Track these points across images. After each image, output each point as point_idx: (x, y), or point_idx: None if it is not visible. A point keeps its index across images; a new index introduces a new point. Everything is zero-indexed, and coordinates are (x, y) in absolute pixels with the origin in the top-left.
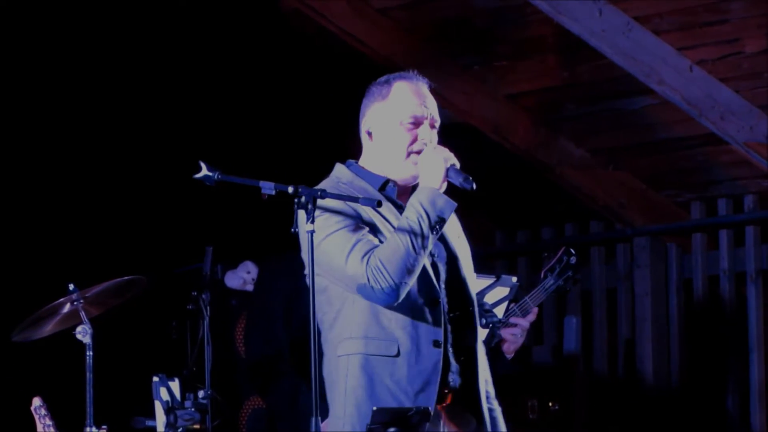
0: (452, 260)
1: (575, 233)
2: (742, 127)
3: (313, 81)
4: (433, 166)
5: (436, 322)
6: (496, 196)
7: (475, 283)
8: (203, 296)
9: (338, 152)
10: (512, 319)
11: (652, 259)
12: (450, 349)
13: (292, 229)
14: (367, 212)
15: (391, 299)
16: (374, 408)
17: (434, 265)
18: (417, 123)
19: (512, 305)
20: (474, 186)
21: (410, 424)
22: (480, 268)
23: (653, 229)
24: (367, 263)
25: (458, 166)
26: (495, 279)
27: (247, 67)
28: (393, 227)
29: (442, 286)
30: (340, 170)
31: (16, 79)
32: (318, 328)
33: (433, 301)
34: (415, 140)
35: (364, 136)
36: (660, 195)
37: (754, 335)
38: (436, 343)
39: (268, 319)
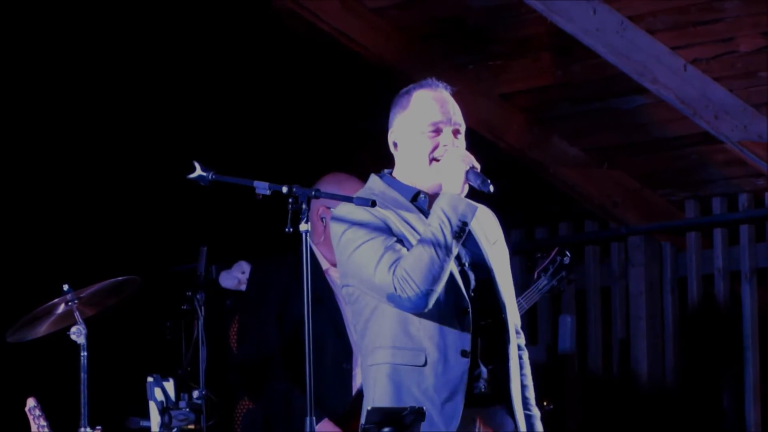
0: (483, 267)
1: (570, 232)
2: (736, 126)
3: (306, 80)
4: (453, 170)
5: (465, 331)
6: (490, 195)
7: (510, 290)
8: (198, 296)
9: (332, 152)
10: None
11: (646, 258)
12: (479, 357)
13: (286, 229)
14: (395, 223)
15: (419, 307)
16: (368, 407)
17: (463, 273)
18: (438, 130)
19: None
20: (492, 189)
21: (404, 424)
22: None
23: (648, 228)
24: (394, 273)
25: (478, 168)
26: None
27: (240, 66)
28: (419, 234)
29: (472, 294)
30: (374, 181)
31: (11, 80)
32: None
33: (462, 311)
34: (436, 147)
35: (391, 148)
36: (654, 194)
37: (748, 334)
38: (464, 353)
39: (260, 321)
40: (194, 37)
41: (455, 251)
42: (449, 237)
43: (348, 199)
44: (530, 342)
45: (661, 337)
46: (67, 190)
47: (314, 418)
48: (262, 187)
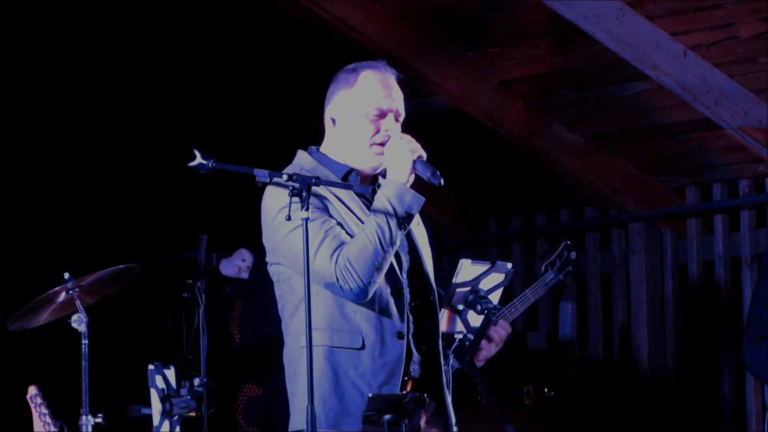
0: (413, 249)
1: (570, 219)
2: (736, 111)
3: (305, 68)
4: (400, 159)
5: (400, 314)
6: (491, 182)
7: (433, 269)
8: (198, 284)
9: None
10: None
11: (646, 244)
12: (411, 339)
13: (286, 217)
14: (333, 204)
15: (359, 298)
16: (369, 395)
17: (397, 256)
18: (382, 115)
19: (514, 300)
20: (442, 182)
21: (405, 411)
22: (474, 255)
23: (648, 214)
24: (336, 262)
25: (425, 157)
26: (490, 265)
27: (239, 54)
28: (358, 219)
29: (404, 276)
30: (302, 157)
31: (11, 70)
32: (279, 317)
33: (397, 292)
34: (377, 132)
35: (327, 123)
36: (654, 180)
37: None
38: (400, 335)
39: (263, 306)
40: (193, 26)
41: (399, 242)
42: (395, 229)
43: (348, 187)
44: (531, 328)
45: (661, 323)
46: (68, 179)
47: (314, 405)
48: (262, 175)
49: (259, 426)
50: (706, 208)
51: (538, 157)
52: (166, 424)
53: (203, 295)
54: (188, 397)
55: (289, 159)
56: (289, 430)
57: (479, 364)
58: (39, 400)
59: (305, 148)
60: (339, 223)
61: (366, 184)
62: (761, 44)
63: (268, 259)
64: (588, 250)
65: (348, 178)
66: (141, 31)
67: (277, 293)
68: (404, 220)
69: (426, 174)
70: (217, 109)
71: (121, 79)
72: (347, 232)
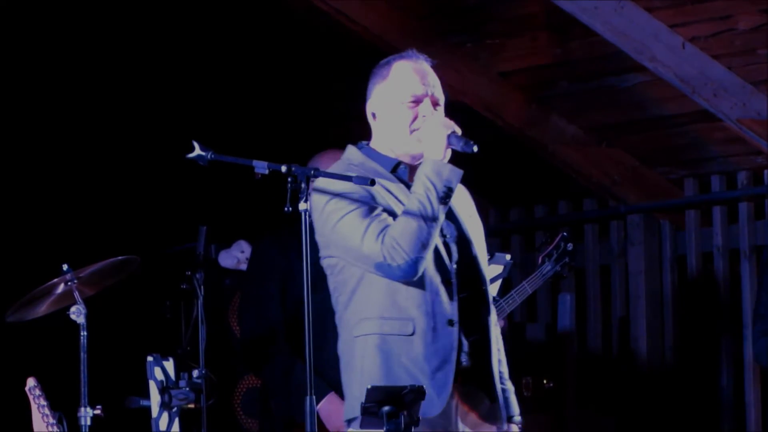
0: (464, 240)
1: (569, 211)
2: (735, 103)
3: (304, 60)
4: (435, 137)
5: (450, 302)
6: (489, 173)
7: (486, 262)
8: (197, 276)
9: (330, 131)
10: None
11: (645, 236)
12: (461, 329)
13: (286, 208)
14: (380, 193)
15: (409, 275)
16: (368, 386)
17: (446, 245)
18: (417, 101)
19: (512, 291)
20: (476, 148)
21: (404, 403)
22: None
23: (646, 206)
24: (382, 242)
25: (459, 132)
26: (489, 257)
27: (238, 46)
28: (404, 206)
29: (454, 266)
30: (351, 152)
31: (10, 64)
32: (333, 309)
33: (446, 282)
34: (416, 118)
35: (369, 118)
36: (653, 172)
37: (748, 311)
38: (450, 323)
39: (262, 297)
40: (192, 18)
41: (442, 217)
42: (435, 203)
43: (347, 179)
44: (530, 320)
45: (660, 315)
46: (66, 171)
47: (314, 397)
48: (261, 167)
49: (258, 418)
50: (704, 199)
51: (537, 149)
52: (165, 416)
53: (202, 287)
54: (187, 388)
55: (289, 150)
56: (344, 418)
57: None
58: (37, 392)
59: (355, 143)
60: (385, 210)
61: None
62: (760, 36)
63: (321, 253)
64: (587, 241)
65: (397, 170)
66: (139, 22)
67: (331, 286)
68: (445, 194)
69: (459, 145)
70: (216, 101)
71: (119, 70)
72: (393, 219)
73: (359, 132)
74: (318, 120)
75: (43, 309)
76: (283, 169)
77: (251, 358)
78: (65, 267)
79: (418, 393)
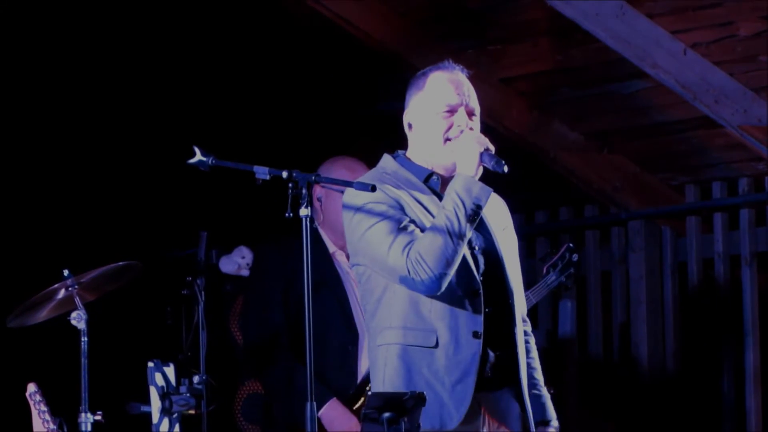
0: (493, 252)
1: (570, 217)
2: (736, 110)
3: (307, 65)
4: (468, 152)
5: (476, 313)
6: (490, 180)
7: (518, 276)
8: (198, 281)
9: (334, 137)
10: None
11: (646, 242)
12: (487, 342)
13: (287, 214)
14: (408, 203)
15: (432, 290)
16: (369, 393)
17: (474, 257)
18: (452, 111)
19: None
20: (506, 169)
21: (405, 409)
22: None
23: (648, 212)
24: (408, 256)
25: (492, 150)
26: None
27: (241, 51)
28: (433, 217)
29: (482, 277)
30: (386, 161)
31: (10, 66)
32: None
33: (473, 293)
34: (450, 127)
35: (406, 129)
36: (654, 178)
37: (749, 318)
38: (476, 334)
39: (265, 303)
40: (195, 22)
41: (469, 234)
42: (463, 220)
43: (348, 184)
44: (531, 326)
45: (661, 321)
46: (67, 175)
47: (315, 403)
48: (262, 172)
49: (259, 424)
50: (705, 206)
51: (538, 155)
52: (166, 422)
53: (203, 292)
54: (188, 394)
55: (291, 156)
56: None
57: None
58: (38, 398)
59: (392, 152)
60: (413, 221)
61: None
62: (761, 42)
63: (351, 260)
64: (588, 248)
65: (429, 180)
66: (141, 26)
67: (359, 294)
68: (473, 212)
69: (491, 164)
70: (218, 106)
71: (121, 75)
72: (422, 230)
73: (363, 136)
74: (319, 125)
75: (43, 314)
76: (284, 174)
77: (254, 363)
78: (66, 272)
79: (418, 399)
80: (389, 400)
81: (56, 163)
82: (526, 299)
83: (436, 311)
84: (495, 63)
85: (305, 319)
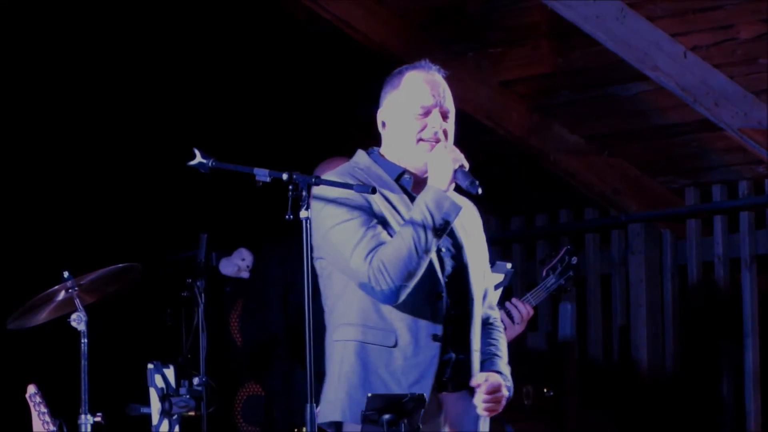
0: (458, 257)
1: (570, 220)
2: (736, 113)
3: (307, 67)
4: (443, 166)
5: (437, 316)
6: (490, 182)
7: (482, 280)
8: (198, 283)
9: (332, 138)
10: (510, 305)
11: (646, 245)
12: (449, 344)
13: (287, 216)
14: (377, 203)
15: (390, 300)
16: (369, 394)
17: (440, 259)
18: (427, 112)
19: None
20: (480, 191)
21: (405, 411)
22: None
23: (648, 215)
24: (370, 263)
25: (467, 167)
26: (489, 266)
27: (241, 53)
28: (402, 219)
29: (446, 280)
30: (360, 156)
31: (11, 68)
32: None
33: (436, 295)
34: (424, 128)
35: (379, 126)
36: (654, 181)
37: (748, 321)
38: (435, 337)
39: (264, 305)
40: (195, 24)
41: (434, 249)
42: (430, 234)
43: (348, 187)
44: (530, 328)
45: (661, 324)
46: (67, 178)
47: (314, 404)
48: (262, 174)
49: (259, 425)
50: (705, 209)
51: (539, 158)
52: (165, 424)
53: (203, 295)
54: (187, 396)
55: (291, 158)
56: (318, 421)
57: None
58: (38, 399)
59: (366, 148)
60: (382, 223)
61: (419, 188)
62: (762, 45)
63: (314, 254)
64: (588, 250)
65: (401, 179)
66: (142, 28)
67: (321, 287)
68: (441, 228)
69: (465, 183)
70: (218, 108)
71: (121, 76)
72: (390, 233)
73: (361, 138)
74: (319, 127)
75: (43, 316)
76: (284, 176)
77: (253, 365)
78: (66, 274)
79: (418, 401)
80: (389, 402)
81: (56, 165)
82: (527, 302)
83: (396, 311)
84: (495, 66)
85: (305, 321)
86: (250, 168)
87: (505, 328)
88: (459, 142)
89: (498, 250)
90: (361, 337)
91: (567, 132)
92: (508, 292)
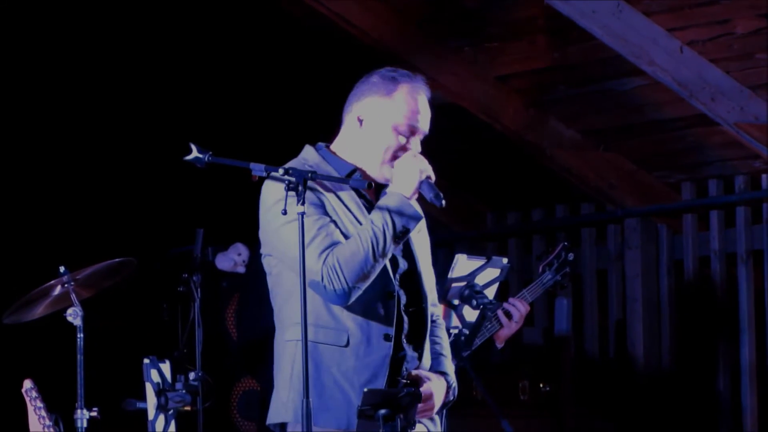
0: (409, 255)
1: (566, 215)
2: (732, 107)
3: (304, 63)
4: (409, 174)
5: (389, 316)
6: (487, 177)
7: (431, 278)
8: (194, 278)
9: (329, 134)
10: (508, 305)
11: (642, 240)
12: (406, 341)
13: (282, 211)
14: (329, 202)
15: (340, 301)
16: (365, 389)
17: (393, 259)
18: (412, 133)
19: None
20: (444, 203)
21: (401, 406)
22: (471, 250)
23: (644, 210)
24: (324, 261)
25: (433, 179)
26: (486, 260)
27: (237, 48)
28: (355, 218)
29: (398, 279)
30: (308, 152)
31: (9, 65)
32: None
33: (388, 294)
34: (402, 148)
35: (350, 121)
36: (651, 176)
37: (745, 316)
38: (387, 337)
39: (260, 300)
40: (192, 21)
41: (390, 254)
42: (389, 240)
43: (343, 181)
44: (526, 324)
45: (657, 319)
46: (64, 173)
47: (310, 400)
48: (258, 169)
49: (255, 420)
50: (702, 204)
51: (535, 153)
52: (161, 418)
53: (199, 290)
54: (183, 391)
55: (287, 154)
56: (266, 422)
57: (499, 345)
58: (34, 394)
59: (313, 144)
60: (334, 221)
61: (375, 191)
62: (758, 40)
63: (261, 250)
64: (584, 245)
65: (351, 177)
66: (138, 24)
67: (269, 285)
68: (401, 234)
69: (429, 195)
70: (215, 104)
71: (118, 72)
72: (342, 231)
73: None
74: (315, 123)
75: (39, 311)
76: (280, 171)
77: (249, 359)
78: (62, 269)
79: (414, 396)
80: (385, 397)
81: (52, 160)
82: (522, 298)
83: (348, 311)
84: (492, 61)
85: (302, 317)
86: (246, 163)
87: (503, 327)
88: (456, 137)
89: (494, 245)
90: (313, 337)
91: (563, 127)
92: (505, 287)
